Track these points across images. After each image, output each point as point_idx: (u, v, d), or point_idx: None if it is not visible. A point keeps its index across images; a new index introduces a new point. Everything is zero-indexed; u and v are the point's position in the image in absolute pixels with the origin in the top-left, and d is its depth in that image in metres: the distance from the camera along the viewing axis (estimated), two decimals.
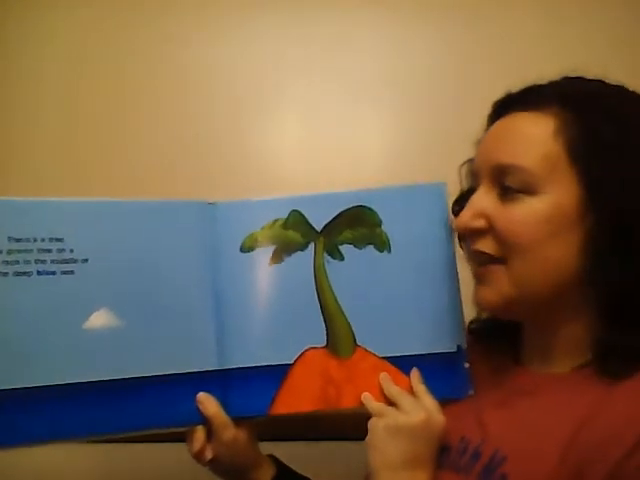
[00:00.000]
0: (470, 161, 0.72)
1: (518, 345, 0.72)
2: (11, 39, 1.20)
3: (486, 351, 0.75)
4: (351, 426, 0.74)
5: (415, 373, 0.72)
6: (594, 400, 0.59)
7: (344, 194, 0.78)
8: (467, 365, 0.74)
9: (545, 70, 0.68)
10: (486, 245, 0.65)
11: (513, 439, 0.63)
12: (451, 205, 0.76)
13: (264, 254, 0.76)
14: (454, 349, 0.75)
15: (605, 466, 0.54)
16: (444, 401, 0.71)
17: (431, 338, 0.75)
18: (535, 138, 0.63)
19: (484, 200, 0.65)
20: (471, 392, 0.73)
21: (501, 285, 0.64)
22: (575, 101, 0.63)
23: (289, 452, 0.81)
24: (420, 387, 0.71)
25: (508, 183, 0.63)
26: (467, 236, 0.67)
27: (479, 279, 0.67)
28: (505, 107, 0.67)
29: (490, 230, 0.64)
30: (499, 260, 0.64)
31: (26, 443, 0.68)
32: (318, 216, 0.77)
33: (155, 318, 0.73)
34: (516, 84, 0.69)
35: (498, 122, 0.67)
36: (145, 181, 1.13)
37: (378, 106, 1.18)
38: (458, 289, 0.76)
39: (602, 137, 0.60)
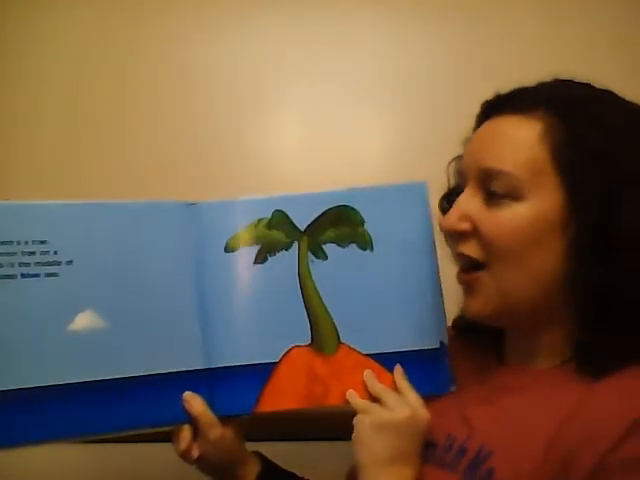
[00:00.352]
0: (459, 158, 0.73)
1: (501, 342, 0.73)
2: (11, 38, 1.20)
3: (469, 348, 0.76)
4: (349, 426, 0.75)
5: (398, 370, 0.74)
6: (576, 397, 0.60)
7: (327, 194, 0.79)
8: (449, 361, 0.75)
9: (545, 70, 0.68)
10: (470, 249, 0.66)
11: (498, 435, 0.64)
12: (438, 200, 0.77)
13: (248, 254, 0.77)
14: (437, 346, 0.76)
15: (590, 460, 0.55)
16: (427, 397, 0.72)
17: (414, 335, 0.76)
18: (521, 142, 0.63)
19: (470, 203, 0.66)
20: (453, 388, 0.75)
21: (487, 293, 0.65)
22: (562, 105, 0.63)
23: (289, 452, 0.82)
24: (404, 383, 0.72)
25: (493, 188, 0.64)
26: (452, 238, 0.68)
27: (465, 289, 0.68)
28: (493, 108, 0.68)
29: (474, 233, 0.65)
30: (482, 266, 0.65)
31: (11, 445, 0.68)
32: (301, 216, 0.78)
33: (140, 319, 0.73)
34: (515, 84, 0.69)
35: (486, 124, 0.68)
36: (145, 181, 1.13)
37: (378, 106, 1.18)
38: (440, 286, 0.77)
39: (588, 143, 0.60)
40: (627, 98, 0.66)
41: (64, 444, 0.95)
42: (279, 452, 0.82)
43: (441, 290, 0.77)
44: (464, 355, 0.76)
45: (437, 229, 0.72)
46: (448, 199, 0.71)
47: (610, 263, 0.59)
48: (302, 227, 0.78)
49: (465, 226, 0.65)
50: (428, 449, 0.70)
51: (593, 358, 0.61)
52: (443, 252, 0.76)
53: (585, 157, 0.60)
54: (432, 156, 1.04)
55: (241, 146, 1.16)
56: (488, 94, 0.71)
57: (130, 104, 1.18)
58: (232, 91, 1.19)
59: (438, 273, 0.77)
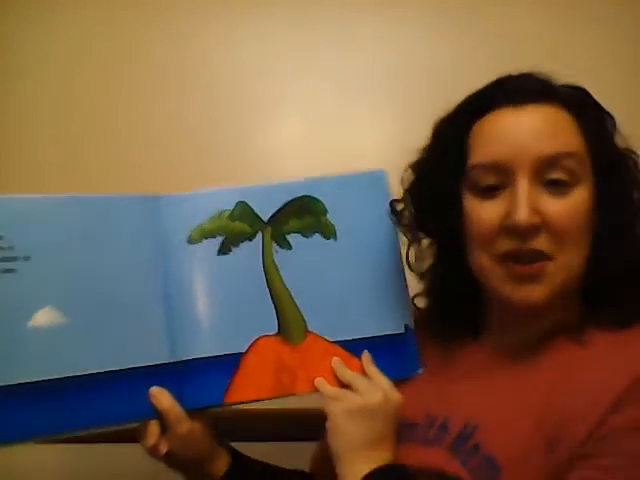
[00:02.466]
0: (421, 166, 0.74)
1: (476, 322, 0.74)
2: (13, 38, 1.20)
3: (439, 328, 0.77)
4: None
5: (366, 355, 0.74)
6: (564, 364, 0.62)
7: (289, 184, 0.79)
8: (416, 345, 0.77)
9: (544, 70, 0.70)
10: (541, 242, 0.64)
11: (482, 409, 0.66)
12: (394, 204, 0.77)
13: (212, 245, 0.76)
14: (402, 330, 0.77)
15: (584, 427, 0.57)
16: (396, 381, 0.72)
17: (379, 321, 0.77)
18: (570, 130, 0.66)
19: (535, 196, 0.64)
20: (421, 371, 0.76)
21: (553, 281, 0.64)
22: (585, 112, 0.68)
23: (289, 452, 0.82)
24: (372, 368, 0.72)
25: (554, 175, 0.64)
26: (523, 234, 0.64)
27: (525, 277, 0.64)
28: (523, 97, 0.67)
29: (543, 226, 0.64)
30: (550, 256, 0.64)
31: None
32: (264, 206, 0.78)
33: (103, 313, 0.72)
34: None
35: (515, 115, 0.66)
36: (144, 181, 1.08)
37: (377, 105, 1.19)
38: (404, 271, 0.78)
39: (606, 137, 0.67)
40: (625, 98, 0.72)
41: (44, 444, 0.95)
42: (280, 452, 0.82)
43: (404, 274, 0.78)
44: (434, 335, 0.77)
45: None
46: (484, 194, 0.67)
47: (621, 249, 0.65)
48: (265, 218, 0.78)
49: (538, 220, 0.63)
50: (408, 429, 0.70)
51: (588, 330, 0.65)
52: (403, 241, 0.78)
53: (608, 149, 0.67)
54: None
55: (241, 145, 1.17)
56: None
57: (130, 104, 1.18)
58: (232, 91, 1.19)
59: (401, 258, 0.78)
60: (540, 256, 0.64)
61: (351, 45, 1.20)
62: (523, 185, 0.64)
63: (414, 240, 0.76)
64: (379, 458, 0.66)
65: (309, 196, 0.79)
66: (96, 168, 1.16)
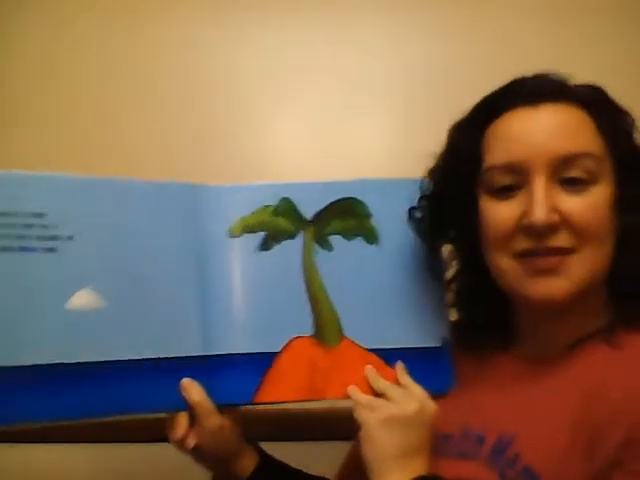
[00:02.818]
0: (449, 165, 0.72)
1: (506, 333, 0.73)
2: (16, 39, 1.21)
3: (471, 342, 0.76)
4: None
5: (400, 365, 0.73)
6: (597, 369, 0.62)
7: (335, 184, 0.78)
8: (451, 360, 0.75)
9: (544, 71, 0.69)
10: (561, 239, 0.64)
11: (519, 420, 0.65)
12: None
13: (252, 240, 0.75)
14: (439, 344, 0.76)
15: (618, 434, 0.56)
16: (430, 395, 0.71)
17: (416, 332, 0.76)
18: (588, 129, 0.65)
19: (552, 194, 0.63)
20: (454, 387, 0.74)
21: (576, 274, 0.64)
22: (602, 109, 0.67)
23: (289, 452, 0.80)
24: (406, 378, 0.71)
25: (573, 174, 0.64)
26: (541, 233, 0.63)
27: (549, 271, 0.64)
28: (537, 96, 0.66)
29: (563, 224, 0.63)
30: (571, 250, 0.64)
31: (2, 423, 0.66)
32: (308, 205, 0.77)
33: (139, 300, 0.71)
34: None
35: (530, 115, 0.66)
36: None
37: (378, 106, 1.18)
38: (445, 284, 0.77)
39: (627, 137, 0.67)
40: (626, 99, 0.69)
41: (67, 445, 1.03)
42: (279, 452, 0.80)
43: (445, 288, 0.77)
44: (467, 349, 0.76)
45: None
46: (499, 195, 0.67)
47: None
48: (308, 216, 0.77)
49: (556, 218, 0.63)
50: (444, 442, 0.69)
51: (619, 329, 0.64)
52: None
53: (628, 148, 0.67)
54: (431, 156, 1.09)
55: (241, 146, 1.16)
56: (486, 94, 0.70)
57: (131, 105, 1.18)
58: (232, 91, 1.19)
59: (444, 270, 0.77)
60: (562, 252, 0.63)
61: (351, 45, 1.19)
62: (539, 184, 0.63)
63: (434, 247, 0.75)
64: (414, 468, 0.65)
65: (354, 198, 0.77)
66: (97, 168, 1.15)
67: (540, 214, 0.62)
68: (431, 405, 0.68)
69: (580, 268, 0.64)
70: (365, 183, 0.78)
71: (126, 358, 0.69)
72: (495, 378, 0.71)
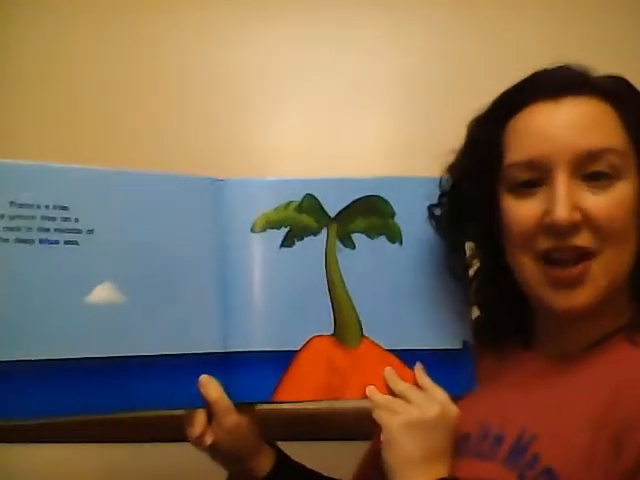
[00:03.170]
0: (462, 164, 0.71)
1: (527, 331, 0.72)
2: (20, 39, 1.21)
3: (492, 340, 0.75)
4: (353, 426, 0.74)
5: (419, 366, 0.72)
6: (622, 367, 0.61)
7: (360, 181, 0.77)
8: (472, 362, 0.74)
9: (565, 63, 0.68)
10: (583, 239, 0.62)
11: (539, 420, 0.63)
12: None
13: (275, 236, 0.74)
14: (459, 346, 0.75)
15: (634, 442, 0.55)
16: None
17: (437, 334, 0.75)
18: (612, 124, 0.63)
19: (574, 192, 0.62)
20: (475, 389, 0.74)
21: (597, 283, 0.62)
22: (620, 95, 0.65)
23: (289, 452, 0.80)
24: (426, 380, 0.71)
25: (596, 169, 0.62)
26: (563, 232, 0.62)
27: (567, 282, 0.63)
28: (558, 90, 0.65)
29: (585, 222, 0.62)
30: (593, 254, 0.62)
31: (20, 417, 0.66)
32: (332, 202, 0.76)
33: (160, 295, 0.71)
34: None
35: (555, 107, 0.64)
36: None
37: (378, 106, 1.18)
38: (467, 285, 0.76)
39: None
40: None
41: (73, 445, 1.04)
42: (295, 452, 0.80)
43: (468, 288, 0.76)
44: (487, 346, 0.75)
45: None
46: (521, 192, 0.65)
47: None
48: (332, 213, 0.76)
49: (578, 217, 0.61)
50: (463, 441, 0.68)
51: None
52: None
53: None
54: (431, 155, 1.07)
55: (241, 146, 1.16)
56: (487, 93, 0.69)
57: (130, 104, 1.18)
58: (232, 91, 1.19)
59: (467, 271, 0.76)
60: (582, 255, 0.62)
61: (351, 45, 1.19)
62: (562, 181, 0.62)
63: (455, 246, 0.74)
64: (436, 473, 0.64)
65: (378, 196, 0.76)
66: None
67: (562, 212, 0.61)
68: (453, 409, 0.68)
69: (602, 274, 0.62)
70: (389, 180, 0.77)
71: (145, 354, 0.69)
72: (515, 376, 0.70)
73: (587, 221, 0.62)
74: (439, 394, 0.69)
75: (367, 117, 1.18)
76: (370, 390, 0.71)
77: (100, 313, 0.68)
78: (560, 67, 0.67)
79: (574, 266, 0.62)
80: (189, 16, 1.20)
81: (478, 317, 0.78)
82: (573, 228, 0.62)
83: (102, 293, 0.69)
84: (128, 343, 0.69)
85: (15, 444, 1.07)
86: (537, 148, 0.63)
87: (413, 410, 0.67)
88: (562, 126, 0.63)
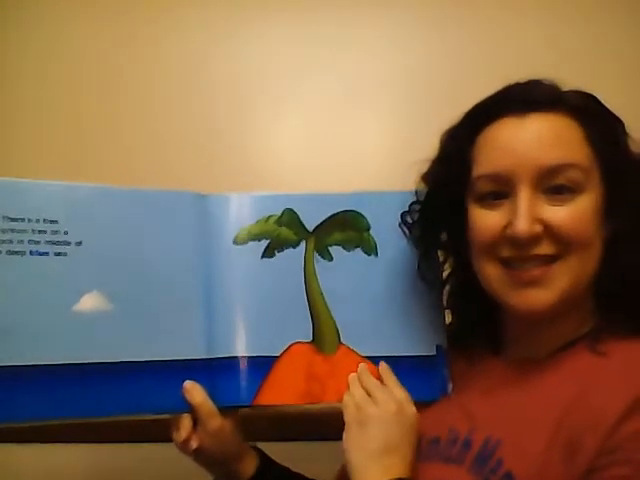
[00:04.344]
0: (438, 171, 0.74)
1: (496, 336, 0.75)
2: (22, 40, 1.21)
3: (463, 345, 0.78)
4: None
5: (383, 365, 0.75)
6: (580, 376, 0.63)
7: (336, 196, 0.81)
8: (447, 366, 0.78)
9: (543, 72, 0.70)
10: (545, 248, 0.65)
11: (504, 426, 0.66)
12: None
13: (256, 248, 0.78)
14: (433, 352, 0.78)
15: (593, 443, 0.58)
16: (422, 402, 0.74)
17: (411, 341, 0.78)
18: (576, 139, 0.66)
19: (535, 205, 0.65)
20: (449, 393, 0.77)
21: (559, 284, 0.65)
22: (587, 111, 0.67)
23: (289, 452, 0.83)
24: (390, 379, 0.74)
25: (560, 183, 0.65)
26: (524, 244, 0.65)
27: (534, 282, 0.65)
28: (525, 106, 0.67)
29: (546, 233, 0.65)
30: (555, 258, 0.65)
31: (9, 420, 0.68)
32: (310, 216, 0.80)
33: (146, 304, 0.74)
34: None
35: (519, 123, 0.66)
36: (145, 180, 1.06)
37: (377, 106, 1.19)
38: (441, 291, 0.80)
39: (618, 144, 0.67)
40: (626, 100, 0.70)
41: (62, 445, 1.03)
42: (278, 452, 0.82)
43: (441, 295, 0.79)
44: (458, 352, 0.78)
45: None
46: (486, 204, 0.68)
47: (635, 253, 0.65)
48: (310, 227, 0.80)
49: (539, 229, 0.64)
50: (431, 445, 0.71)
51: (604, 337, 0.65)
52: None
53: (618, 156, 0.66)
54: (426, 160, 1.09)
55: (241, 146, 1.17)
56: (486, 93, 0.71)
57: (130, 105, 1.19)
58: (232, 91, 1.19)
59: (440, 278, 0.80)
60: (548, 260, 0.65)
61: (351, 45, 1.20)
62: (524, 195, 0.64)
63: (426, 252, 0.77)
64: (391, 467, 0.66)
65: (354, 211, 0.80)
66: (96, 169, 1.16)
67: (523, 225, 0.64)
68: (410, 409, 0.70)
69: (564, 277, 0.65)
70: (364, 195, 0.81)
71: (131, 360, 0.72)
72: (484, 382, 0.73)
73: (548, 232, 0.64)
74: (399, 393, 0.71)
75: (367, 117, 1.19)
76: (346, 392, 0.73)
77: (87, 320, 0.71)
78: (530, 82, 0.69)
79: (535, 268, 0.65)
80: (189, 16, 1.21)
81: (451, 322, 0.81)
82: (533, 240, 0.65)
83: (90, 301, 0.72)
84: (115, 350, 0.72)
85: (15, 444, 1.08)
86: (502, 162, 0.66)
87: (371, 407, 0.69)
88: (526, 141, 0.65)
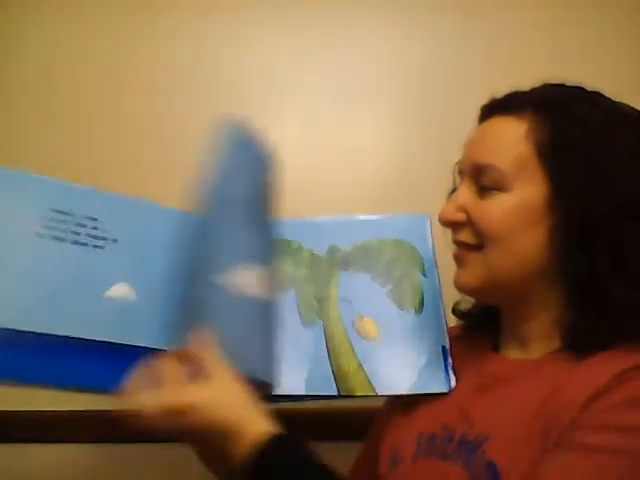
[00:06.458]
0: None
1: (497, 333, 0.80)
2: (22, 40, 1.23)
3: (465, 339, 0.83)
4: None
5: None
6: (559, 377, 0.66)
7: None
8: (450, 364, 0.81)
9: (542, 72, 0.73)
10: (465, 236, 0.74)
11: (494, 422, 0.68)
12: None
13: None
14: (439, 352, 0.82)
15: (558, 428, 0.61)
16: (428, 396, 0.77)
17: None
18: (507, 140, 0.71)
19: (465, 196, 0.73)
20: (453, 385, 0.79)
21: (476, 268, 0.73)
22: (547, 106, 0.70)
23: None
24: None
25: (483, 181, 0.72)
26: (450, 228, 0.76)
27: (458, 262, 0.75)
28: (489, 111, 0.76)
29: (469, 222, 0.73)
30: (476, 247, 0.73)
31: (27, 382, 0.72)
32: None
33: (165, 300, 0.79)
34: (514, 86, 0.74)
35: (481, 125, 0.76)
36: (145, 180, 1.15)
37: (377, 106, 1.22)
38: (441, 297, 0.86)
39: (568, 140, 0.68)
40: (625, 100, 0.72)
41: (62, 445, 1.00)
42: None
43: (442, 300, 0.85)
44: (460, 346, 0.82)
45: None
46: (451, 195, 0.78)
47: (591, 249, 0.66)
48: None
49: (460, 216, 0.73)
50: (427, 442, 0.73)
51: (580, 341, 0.68)
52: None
53: (566, 152, 0.68)
54: (431, 156, 1.11)
55: None
56: (486, 95, 0.76)
57: (131, 104, 1.21)
58: (232, 91, 1.21)
59: (440, 288, 0.86)
60: (467, 247, 0.73)
61: (351, 45, 1.22)
62: (461, 186, 0.75)
63: None
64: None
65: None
66: (98, 169, 1.16)
67: (444, 212, 0.75)
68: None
69: (480, 265, 0.72)
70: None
71: (146, 345, 0.76)
72: (481, 377, 0.75)
73: (469, 221, 0.73)
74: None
75: (366, 118, 1.21)
76: None
77: (114, 305, 0.77)
78: (508, 92, 0.75)
79: (458, 249, 0.75)
80: (189, 16, 1.23)
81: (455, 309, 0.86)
82: (454, 225, 0.74)
83: (119, 290, 0.79)
84: (134, 334, 0.77)
85: (15, 444, 1.05)
86: (461, 159, 0.77)
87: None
88: (472, 141, 0.75)
